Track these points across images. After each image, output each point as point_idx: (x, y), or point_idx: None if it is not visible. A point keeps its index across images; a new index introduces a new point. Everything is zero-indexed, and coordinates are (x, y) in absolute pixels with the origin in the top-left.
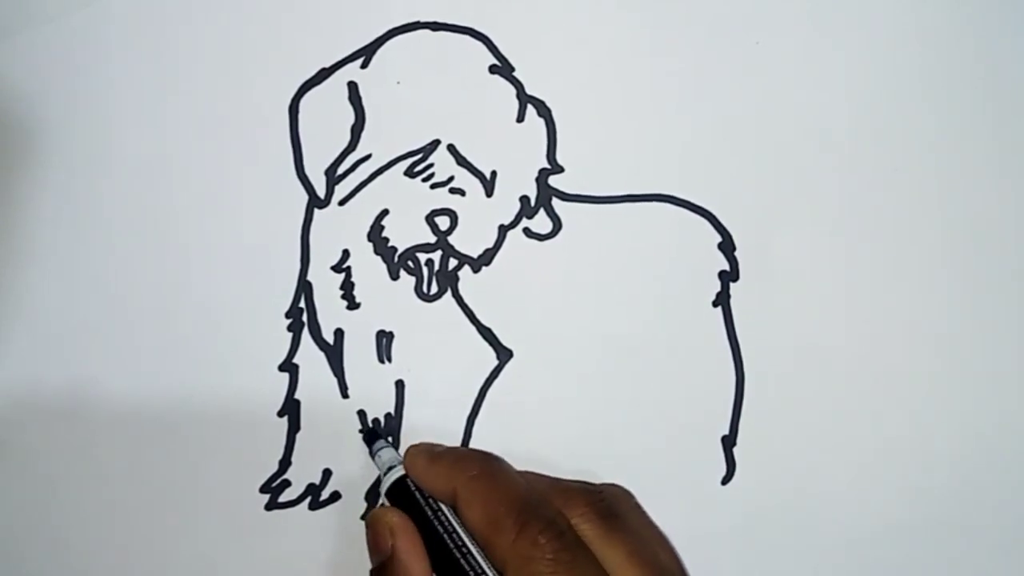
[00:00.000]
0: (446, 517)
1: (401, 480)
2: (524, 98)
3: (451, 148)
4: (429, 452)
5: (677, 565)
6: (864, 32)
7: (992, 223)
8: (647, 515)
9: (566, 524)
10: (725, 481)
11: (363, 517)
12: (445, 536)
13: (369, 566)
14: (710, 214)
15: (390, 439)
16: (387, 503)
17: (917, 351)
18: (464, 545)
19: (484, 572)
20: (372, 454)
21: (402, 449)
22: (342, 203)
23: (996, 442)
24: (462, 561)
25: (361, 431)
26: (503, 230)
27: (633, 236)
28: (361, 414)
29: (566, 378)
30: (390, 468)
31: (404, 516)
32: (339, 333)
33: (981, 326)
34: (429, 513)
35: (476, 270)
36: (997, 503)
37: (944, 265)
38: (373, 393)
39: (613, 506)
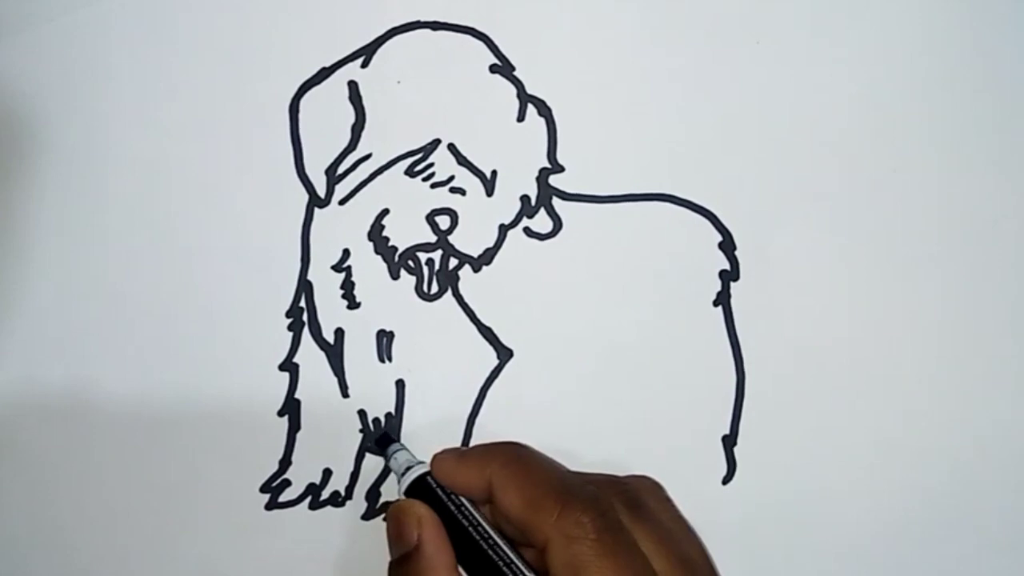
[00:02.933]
0: (470, 512)
1: (421, 478)
2: (524, 97)
3: (451, 147)
4: (456, 451)
5: (705, 559)
6: (864, 32)
7: (991, 222)
8: (676, 508)
9: (608, 505)
10: (726, 481)
11: (364, 517)
12: (471, 529)
13: (371, 565)
14: (711, 213)
15: (402, 443)
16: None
17: (917, 350)
18: (491, 537)
19: (513, 562)
20: (387, 457)
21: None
22: (342, 202)
23: (996, 441)
24: (490, 552)
25: (373, 438)
26: (504, 229)
27: (634, 235)
28: (361, 414)
29: (566, 378)
30: (408, 468)
31: (430, 508)
32: (339, 333)
33: (980, 325)
34: (452, 508)
35: (476, 269)
36: (997, 502)
37: (944, 264)
38: (373, 393)
39: (641, 496)
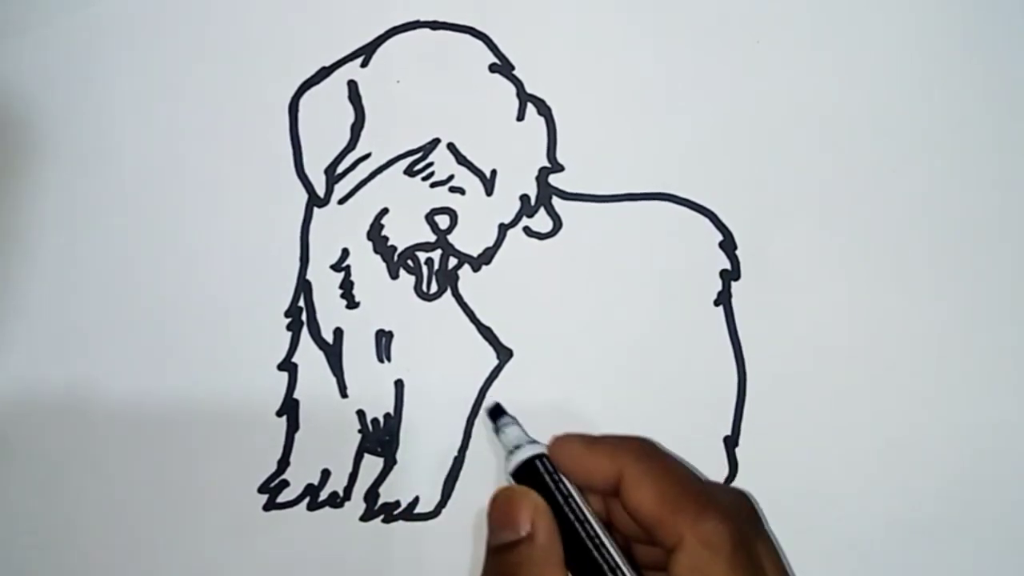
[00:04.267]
0: (577, 504)
1: (531, 461)
2: (524, 97)
3: (451, 147)
4: (583, 438)
5: None
6: (864, 32)
7: (992, 222)
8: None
9: (742, 518)
10: (728, 482)
11: (363, 518)
12: (577, 524)
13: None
14: (711, 213)
15: (514, 417)
16: (512, 483)
17: (918, 350)
18: (597, 536)
19: (618, 565)
20: (496, 430)
21: (403, 451)
22: (341, 202)
23: (996, 441)
24: (595, 552)
25: (487, 408)
26: (503, 229)
27: (634, 235)
28: (360, 414)
29: (566, 378)
30: (516, 447)
31: (543, 500)
32: (338, 332)
33: (981, 325)
34: (560, 498)
35: (476, 269)
36: (997, 503)
37: (944, 264)
38: (372, 393)
39: (758, 511)
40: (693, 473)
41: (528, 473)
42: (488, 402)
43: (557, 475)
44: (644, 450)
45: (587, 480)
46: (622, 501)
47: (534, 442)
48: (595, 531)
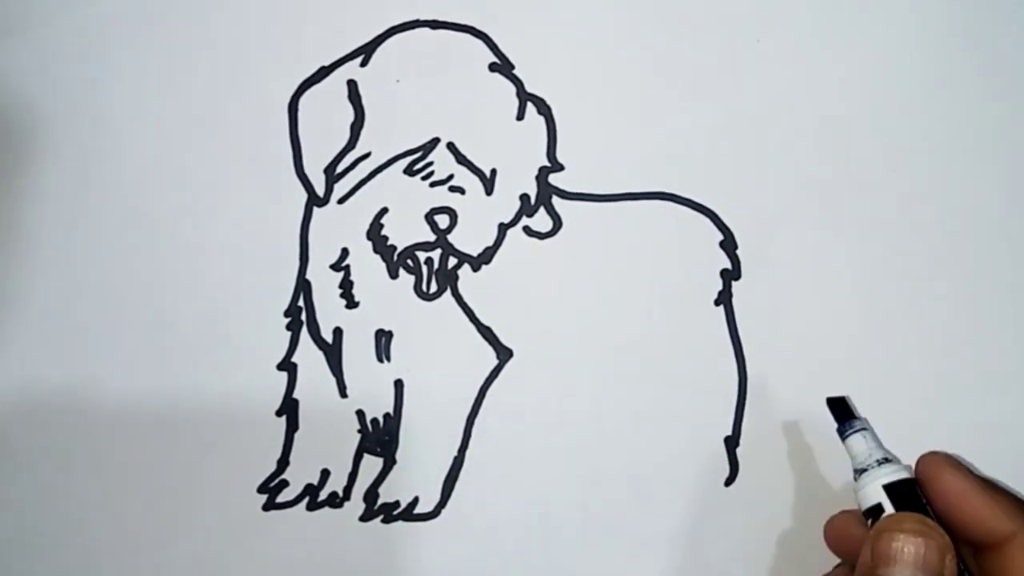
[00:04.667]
0: (958, 556)
1: (910, 483)
2: (524, 96)
3: (451, 146)
4: (975, 479)
5: None
6: (865, 31)
7: (992, 222)
8: None
9: None
10: (729, 482)
11: (362, 518)
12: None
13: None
14: (711, 212)
15: (867, 419)
16: (883, 500)
17: (918, 349)
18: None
19: None
20: (845, 433)
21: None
22: (341, 201)
23: (996, 441)
24: None
25: (830, 399)
26: (503, 228)
27: (634, 234)
28: (360, 414)
29: (566, 378)
30: (884, 460)
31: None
32: (338, 332)
33: (982, 324)
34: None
35: (476, 269)
36: None
37: (945, 263)
38: (372, 392)
39: None
40: None
41: (907, 497)
42: (833, 401)
43: (929, 508)
44: None
45: (962, 521)
46: (996, 565)
47: (905, 466)
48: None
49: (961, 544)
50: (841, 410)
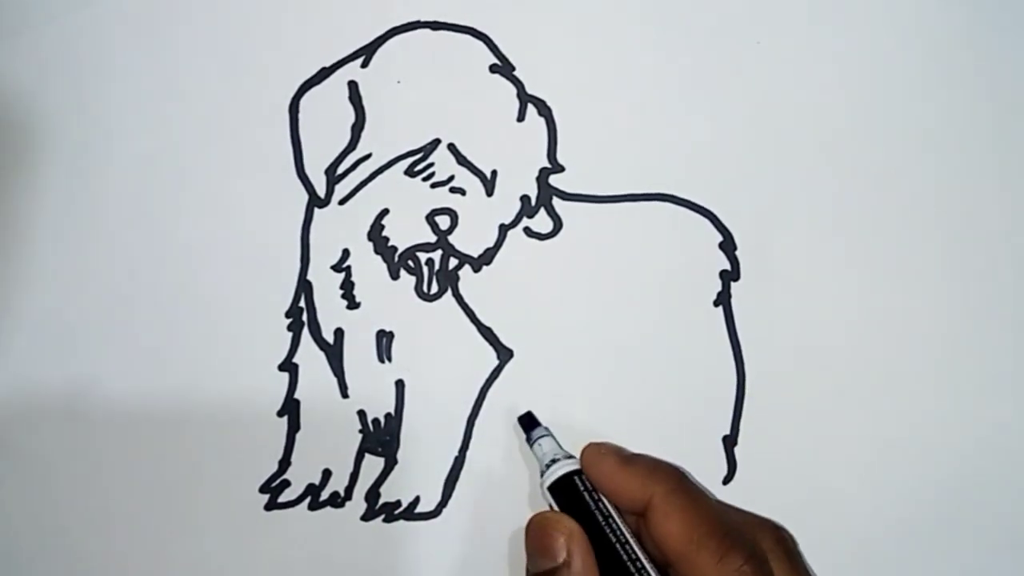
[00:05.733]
0: (617, 525)
1: (569, 477)
2: (524, 97)
3: (451, 147)
4: (618, 453)
5: None
6: (864, 32)
7: (991, 222)
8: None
9: (765, 557)
10: (726, 481)
11: (364, 518)
12: (618, 546)
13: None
14: (711, 213)
15: (548, 428)
16: (550, 498)
17: (917, 350)
18: (639, 559)
19: None
20: (530, 441)
21: (403, 451)
22: (342, 202)
23: (996, 441)
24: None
25: (519, 417)
26: (503, 229)
27: (634, 235)
28: (361, 414)
29: (566, 378)
30: (553, 461)
31: (578, 523)
32: (339, 333)
33: (980, 325)
34: (600, 518)
35: (476, 269)
36: (996, 503)
37: (944, 264)
38: (373, 393)
39: (795, 547)
40: (725, 509)
41: (564, 488)
42: (522, 415)
43: (596, 494)
44: (676, 480)
45: (615, 499)
46: (648, 528)
47: (570, 456)
48: (635, 554)
49: (630, 514)
50: (529, 422)
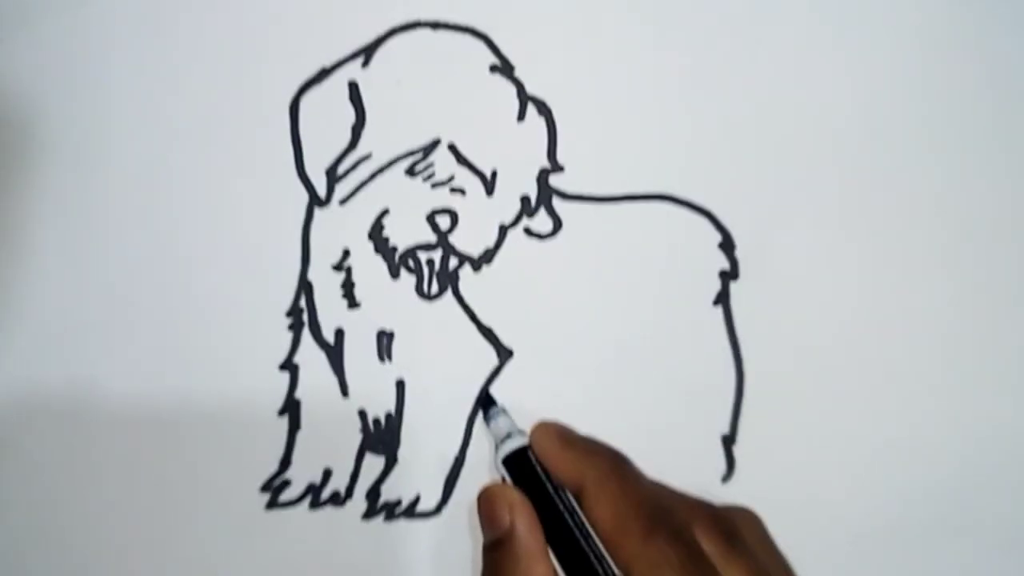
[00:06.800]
0: (566, 496)
1: (522, 452)
2: (524, 97)
3: (452, 147)
4: (561, 435)
5: None
6: (864, 32)
7: (991, 222)
8: (775, 545)
9: (692, 537)
10: (725, 479)
11: (364, 516)
12: (566, 514)
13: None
14: (710, 213)
15: (504, 407)
16: (504, 472)
17: (917, 350)
18: (584, 527)
19: (603, 556)
20: (487, 418)
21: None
22: (343, 202)
23: (996, 441)
24: (583, 542)
25: (479, 397)
26: (504, 229)
27: (633, 235)
28: (361, 413)
29: (566, 378)
30: (508, 436)
31: (522, 494)
32: (339, 332)
33: (980, 325)
34: (550, 489)
35: (477, 269)
36: (996, 503)
37: (944, 264)
38: (373, 392)
39: (737, 528)
40: (654, 493)
41: (518, 463)
42: (480, 392)
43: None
44: (609, 466)
45: (555, 479)
46: (583, 509)
47: (524, 433)
48: (582, 521)
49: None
50: (488, 401)
